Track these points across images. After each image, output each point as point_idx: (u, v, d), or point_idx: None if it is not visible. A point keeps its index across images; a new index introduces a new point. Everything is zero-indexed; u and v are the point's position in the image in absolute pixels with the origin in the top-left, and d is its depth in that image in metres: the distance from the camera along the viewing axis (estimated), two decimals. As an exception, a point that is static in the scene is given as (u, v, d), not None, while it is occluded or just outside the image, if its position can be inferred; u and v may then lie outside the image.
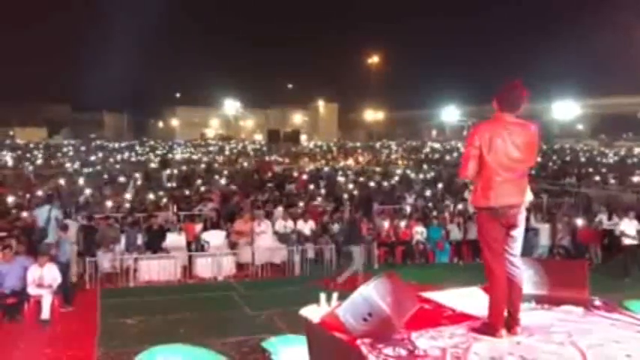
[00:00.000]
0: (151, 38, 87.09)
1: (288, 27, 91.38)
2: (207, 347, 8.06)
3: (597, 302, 4.70)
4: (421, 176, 23.22)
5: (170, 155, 38.17)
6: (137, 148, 47.92)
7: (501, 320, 4.02)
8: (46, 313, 8.94)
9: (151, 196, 16.17)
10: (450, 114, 65.77)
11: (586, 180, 21.96)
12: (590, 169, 26.84)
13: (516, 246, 4.16)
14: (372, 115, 78.10)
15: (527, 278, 4.70)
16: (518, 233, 4.15)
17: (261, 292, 11.04)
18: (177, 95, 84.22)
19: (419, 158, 34.28)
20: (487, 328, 4.03)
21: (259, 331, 8.52)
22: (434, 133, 79.65)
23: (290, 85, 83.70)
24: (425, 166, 26.89)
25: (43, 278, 9.15)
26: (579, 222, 13.47)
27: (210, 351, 7.98)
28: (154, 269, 11.60)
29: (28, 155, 36.67)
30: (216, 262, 12.03)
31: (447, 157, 33.99)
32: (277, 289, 11.22)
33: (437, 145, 48.21)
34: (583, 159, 35.28)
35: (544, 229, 13.25)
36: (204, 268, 12.03)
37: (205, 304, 10.31)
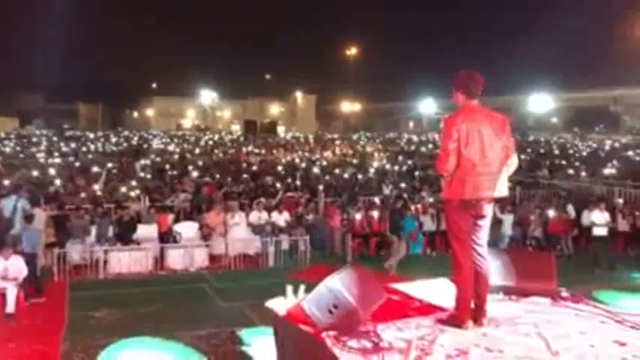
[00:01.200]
0: (126, 28, 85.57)
1: (266, 18, 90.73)
2: (176, 340, 7.96)
3: (564, 293, 4.72)
4: (397, 168, 23.26)
5: (145, 145, 37.64)
6: (112, 138, 47.23)
7: (468, 312, 4.00)
8: (10, 307, 8.75)
9: (123, 189, 15.86)
10: (428, 106, 66.17)
11: (558, 172, 22.21)
12: (563, 162, 27.17)
13: (483, 236, 4.14)
14: (350, 106, 78.21)
15: (495, 269, 4.69)
16: (486, 223, 4.13)
17: (234, 284, 10.93)
18: (154, 85, 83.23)
19: (395, 150, 34.33)
20: (454, 319, 4.00)
21: (230, 323, 8.45)
22: (411, 125, 79.92)
23: (268, 76, 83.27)
24: (400, 158, 26.91)
25: (7, 271, 8.94)
26: (550, 213, 13.60)
27: (179, 343, 7.88)
28: (125, 261, 11.42)
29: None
30: (188, 253, 11.89)
31: (423, 149, 34.13)
32: (250, 281, 11.12)
33: (414, 137, 48.36)
34: (557, 151, 35.66)
35: (508, 219, 13.35)
36: (176, 259, 11.88)
37: (176, 296, 10.18)
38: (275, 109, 78.25)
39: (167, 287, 10.70)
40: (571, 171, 22.54)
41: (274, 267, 12.27)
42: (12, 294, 8.77)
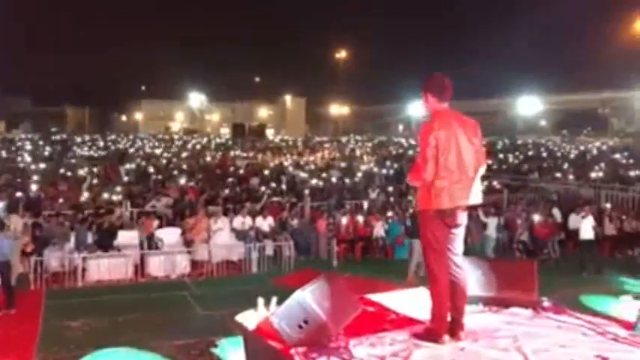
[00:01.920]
0: (115, 31, 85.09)
1: (255, 21, 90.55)
2: (153, 351, 7.73)
3: (546, 303, 4.57)
4: (384, 171, 23.12)
5: (131, 150, 37.25)
6: (99, 142, 46.75)
7: (444, 325, 3.83)
8: (-18, 317, 8.47)
9: (105, 195, 15.59)
10: (416, 109, 66.12)
11: (546, 175, 22.18)
12: (551, 165, 27.17)
13: (458, 245, 3.99)
14: (340, 109, 78.06)
15: (475, 279, 4.54)
16: (461, 231, 3.98)
17: (216, 291, 10.71)
18: (143, 88, 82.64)
19: (383, 154, 34.20)
20: (429, 333, 3.83)
21: (210, 332, 8.20)
22: (400, 127, 79.90)
23: (257, 79, 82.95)
24: (388, 162, 26.78)
25: (-21, 280, 8.67)
26: (536, 217, 13.50)
27: (155, 355, 7.66)
28: (104, 268, 11.16)
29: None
30: (169, 260, 11.66)
31: (411, 152, 33.97)
32: (232, 288, 10.89)
33: (403, 141, 48.30)
34: (545, 154, 35.70)
35: (493, 222, 13.25)
36: (157, 266, 11.65)
37: (156, 305, 9.94)
38: (264, 112, 77.97)
39: (147, 295, 10.45)
40: (558, 174, 22.49)
41: (258, 273, 12.07)
42: (-16, 304, 8.50)
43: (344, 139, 51.01)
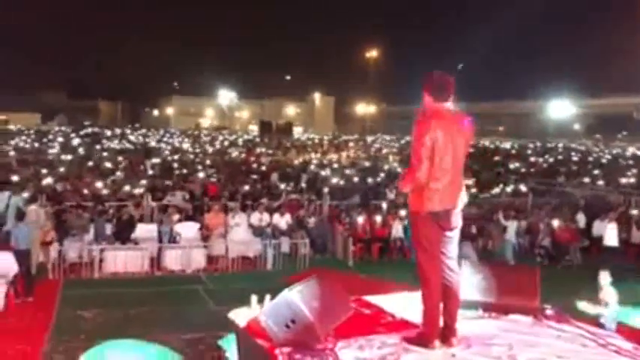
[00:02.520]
0: (150, 28, 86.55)
1: (288, 18, 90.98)
2: (162, 344, 7.77)
3: (549, 311, 4.41)
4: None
5: (156, 144, 37.70)
6: (130, 136, 47.48)
7: (435, 330, 3.72)
8: (-1, 304, 8.65)
9: (127, 187, 15.78)
10: (448, 109, 65.63)
11: (574, 180, 21.66)
12: (581, 169, 26.54)
13: (452, 248, 3.88)
14: (368, 108, 77.74)
15: (474, 284, 4.43)
16: (455, 234, 3.88)
17: (229, 287, 10.70)
18: (175, 84, 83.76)
19: (408, 153, 33.80)
20: (420, 338, 3.73)
21: (220, 327, 8.16)
22: (430, 128, 79.09)
23: (288, 77, 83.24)
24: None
25: (-4, 267, 8.84)
26: (556, 222, 13.18)
27: (163, 348, 7.68)
28: (121, 260, 11.27)
29: (16, 141, 36.20)
30: (185, 254, 11.72)
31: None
32: (246, 284, 10.80)
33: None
34: (575, 158, 34.90)
35: (512, 226, 12.99)
36: (173, 260, 11.71)
37: (169, 298, 10.01)
38: (292, 110, 78.11)
39: (161, 288, 10.54)
40: (587, 179, 21.94)
41: (272, 270, 12.05)
42: (0, 291, 8.67)
43: (370, 139, 50.71)
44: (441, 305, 3.86)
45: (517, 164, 27.45)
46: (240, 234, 12.64)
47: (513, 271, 4.66)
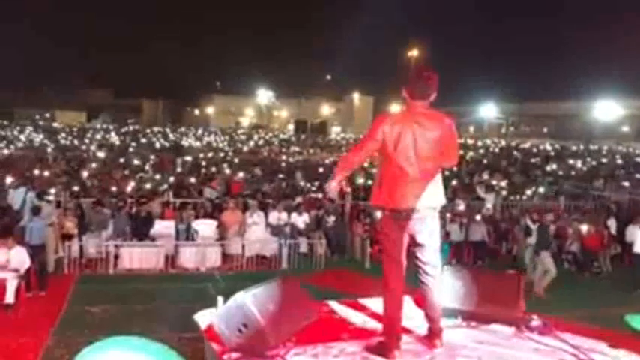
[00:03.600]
0: (192, 28, 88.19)
1: (329, 18, 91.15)
2: (163, 341, 7.73)
3: (534, 322, 4.12)
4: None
5: (192, 143, 38.15)
6: (169, 134, 48.26)
7: (395, 340, 3.52)
8: (9, 297, 8.76)
9: (150, 184, 15.93)
10: (489, 111, 64.42)
11: (611, 184, 20.75)
12: (621, 173, 25.46)
13: (427, 253, 3.67)
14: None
15: (455, 291, 4.19)
16: (427, 240, 3.66)
17: (242, 285, 10.33)
18: (218, 84, 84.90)
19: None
20: (380, 347, 3.53)
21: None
22: (472, 129, 77.86)
23: (329, 77, 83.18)
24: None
25: (8, 261, 8.98)
26: (585, 227, 12.61)
27: (163, 346, 7.65)
28: (136, 257, 11.35)
29: (58, 137, 37.23)
30: (200, 252, 11.71)
31: (471, 154, 32.86)
32: (258, 283, 10.80)
33: (470, 142, 46.97)
34: (619, 161, 33.55)
35: (535, 229, 12.48)
36: (188, 257, 11.72)
37: (179, 296, 9.95)
38: (328, 109, 77.90)
39: (172, 285, 10.53)
40: (626, 183, 20.99)
41: (287, 270, 11.91)
42: (12, 285, 8.79)
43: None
44: (423, 312, 3.78)
45: (554, 167, 26.54)
46: (257, 233, 12.58)
47: (496, 278, 4.37)
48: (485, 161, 28.81)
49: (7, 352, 7.34)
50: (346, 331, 3.92)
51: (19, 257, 9.07)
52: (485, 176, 20.35)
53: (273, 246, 12.40)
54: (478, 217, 13.24)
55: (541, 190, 18.65)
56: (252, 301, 3.44)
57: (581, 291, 11.16)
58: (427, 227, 3.60)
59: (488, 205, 14.64)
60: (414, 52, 74.58)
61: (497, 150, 38.88)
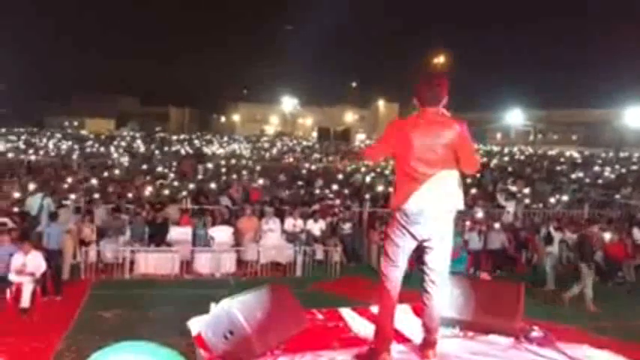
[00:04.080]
0: (218, 38, 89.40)
1: (355, 25, 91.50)
2: (171, 346, 7.74)
3: (535, 333, 3.99)
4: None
5: (216, 150, 38.42)
6: (195, 142, 48.71)
7: (386, 347, 3.44)
8: (25, 301, 8.90)
9: (166, 191, 16.06)
10: (516, 117, 63.59)
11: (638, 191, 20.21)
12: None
13: (433, 259, 3.59)
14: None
15: (453, 300, 4.07)
16: (435, 244, 3.56)
17: (255, 293, 10.61)
18: (245, 91, 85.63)
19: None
20: (370, 355, 3.44)
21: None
22: (499, 136, 76.92)
23: (354, 84, 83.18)
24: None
25: (25, 265, 9.11)
26: (609, 236, 12.27)
27: (172, 351, 7.65)
28: (152, 262, 11.42)
29: (83, 145, 37.87)
30: (215, 258, 11.73)
31: (495, 161, 32.38)
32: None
33: (495, 149, 46.37)
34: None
35: (557, 237, 12.21)
36: (203, 263, 11.75)
37: (191, 301, 9.96)
38: (352, 116, 77.71)
39: (186, 291, 10.54)
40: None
41: (302, 277, 11.86)
42: (27, 289, 8.93)
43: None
44: (421, 322, 3.71)
45: (580, 174, 25.99)
46: (272, 239, 12.56)
47: (496, 287, 4.24)
48: (510, 168, 28.34)
49: (18, 356, 7.44)
50: (338, 340, 3.83)
51: (35, 262, 9.20)
52: (508, 184, 20.02)
53: (288, 253, 12.35)
54: (497, 225, 12.98)
55: (565, 197, 18.24)
56: (238, 308, 3.38)
57: (603, 301, 10.85)
58: (437, 232, 3.50)
59: (509, 209, 14.38)
60: (440, 59, 74.37)
61: (522, 157, 38.20)
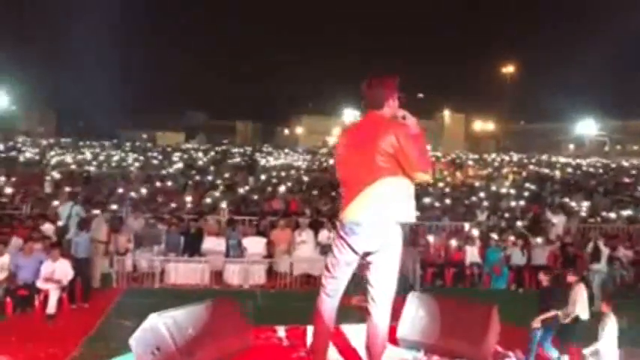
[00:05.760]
0: (283, 53, 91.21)
1: (420, 35, 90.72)
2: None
3: (512, 358, 3.60)
4: (512, 192, 21.16)
5: (273, 161, 38.78)
6: (256, 154, 49.43)
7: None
8: (51, 308, 9.12)
9: (208, 200, 16.23)
10: (588, 127, 60.72)
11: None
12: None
13: (373, 275, 3.31)
14: (502, 126, 74.31)
15: (417, 321, 3.75)
16: (377, 259, 3.28)
17: (281, 305, 10.44)
18: (310, 104, 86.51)
19: (529, 173, 31.35)
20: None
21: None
22: (571, 147, 73.70)
23: (421, 95, 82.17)
24: (527, 184, 24.52)
25: (53, 273, 9.35)
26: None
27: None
28: (182, 272, 11.49)
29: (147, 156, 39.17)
30: (244, 269, 11.67)
31: (557, 172, 30.85)
32: (299, 303, 10.51)
33: (562, 160, 44.32)
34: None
35: (605, 253, 11.36)
36: (233, 274, 11.72)
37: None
38: (417, 127, 76.62)
39: (212, 302, 10.52)
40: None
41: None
42: (54, 296, 9.16)
43: (493, 157, 48.10)
44: (364, 345, 3.42)
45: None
46: (305, 251, 12.38)
47: (466, 308, 3.86)
48: (572, 181, 26.94)
49: (32, 360, 7.59)
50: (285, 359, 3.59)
51: (63, 269, 9.44)
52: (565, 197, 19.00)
53: (321, 265, 12.07)
54: (539, 240, 12.26)
55: (627, 212, 17.07)
56: (165, 324, 3.23)
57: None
58: (378, 245, 3.23)
59: (555, 221, 13.57)
60: (508, 69, 72.32)
61: (591, 169, 36.18)
